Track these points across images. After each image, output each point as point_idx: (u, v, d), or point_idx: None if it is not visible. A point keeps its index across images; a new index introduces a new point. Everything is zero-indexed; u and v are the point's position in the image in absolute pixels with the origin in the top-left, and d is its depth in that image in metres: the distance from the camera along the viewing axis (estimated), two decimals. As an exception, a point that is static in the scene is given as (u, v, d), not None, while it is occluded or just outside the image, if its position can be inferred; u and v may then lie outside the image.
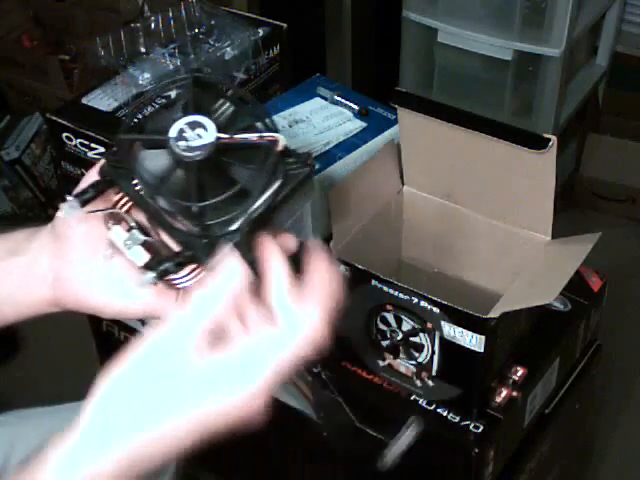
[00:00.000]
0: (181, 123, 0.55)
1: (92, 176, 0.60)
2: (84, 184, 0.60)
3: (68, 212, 0.58)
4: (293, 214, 0.59)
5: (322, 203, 0.98)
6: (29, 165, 2.15)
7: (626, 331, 1.76)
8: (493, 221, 0.95)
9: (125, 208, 0.60)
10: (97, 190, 0.59)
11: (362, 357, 0.96)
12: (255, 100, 0.60)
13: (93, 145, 1.05)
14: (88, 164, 1.07)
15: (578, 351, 1.05)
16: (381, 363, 0.94)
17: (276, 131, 0.57)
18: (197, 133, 0.55)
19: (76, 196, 0.58)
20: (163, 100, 1.00)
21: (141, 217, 0.59)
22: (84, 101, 1.10)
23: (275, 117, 1.06)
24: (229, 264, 0.53)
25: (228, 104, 0.59)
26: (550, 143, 0.82)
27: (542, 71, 1.85)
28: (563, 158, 2.10)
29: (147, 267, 0.57)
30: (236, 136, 0.56)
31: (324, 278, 0.55)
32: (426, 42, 1.94)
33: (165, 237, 0.58)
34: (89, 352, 1.34)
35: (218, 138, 0.55)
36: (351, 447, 1.04)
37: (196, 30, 1.17)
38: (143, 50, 1.13)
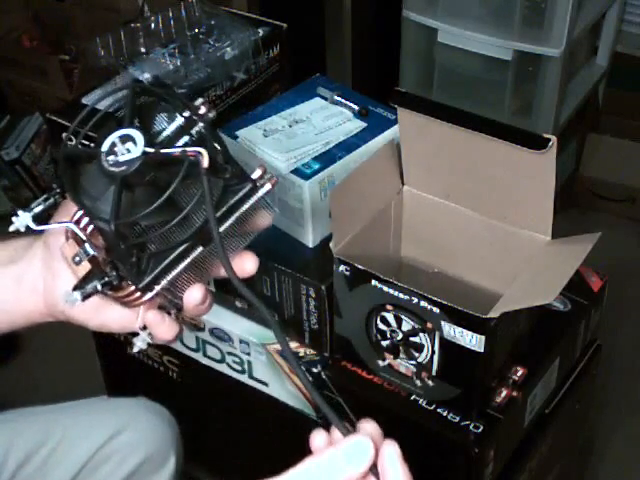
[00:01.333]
0: (113, 137, 0.55)
1: None
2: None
3: (20, 226, 0.58)
4: (247, 233, 0.58)
5: (322, 203, 0.98)
6: (29, 165, 2.15)
7: (626, 331, 1.76)
8: (493, 221, 0.95)
9: (76, 219, 0.59)
10: (46, 202, 0.59)
11: (362, 357, 0.96)
12: (182, 99, 0.59)
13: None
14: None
15: (578, 351, 1.05)
16: (381, 363, 0.94)
17: (206, 145, 0.56)
18: (126, 147, 0.54)
19: (25, 210, 0.58)
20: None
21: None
22: (84, 101, 1.10)
23: (275, 117, 1.06)
24: (360, 443, 0.52)
25: (167, 116, 0.58)
26: (550, 143, 0.82)
27: (542, 71, 1.85)
28: (563, 158, 2.10)
29: (77, 286, 0.57)
30: (161, 150, 0.55)
31: None
32: (426, 42, 1.94)
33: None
34: (89, 352, 1.34)
35: (145, 152, 0.54)
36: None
37: (196, 30, 1.17)
38: (143, 50, 1.13)
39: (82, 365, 1.52)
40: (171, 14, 1.16)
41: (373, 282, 0.87)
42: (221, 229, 0.56)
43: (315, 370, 1.00)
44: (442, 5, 1.86)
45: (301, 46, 1.35)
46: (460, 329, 0.83)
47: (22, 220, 0.58)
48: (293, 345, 1.03)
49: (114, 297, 0.58)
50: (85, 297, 0.56)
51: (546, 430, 1.01)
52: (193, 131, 0.57)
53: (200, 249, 0.56)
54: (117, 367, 1.31)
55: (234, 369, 1.10)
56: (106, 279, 0.56)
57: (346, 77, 2.19)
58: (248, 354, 1.07)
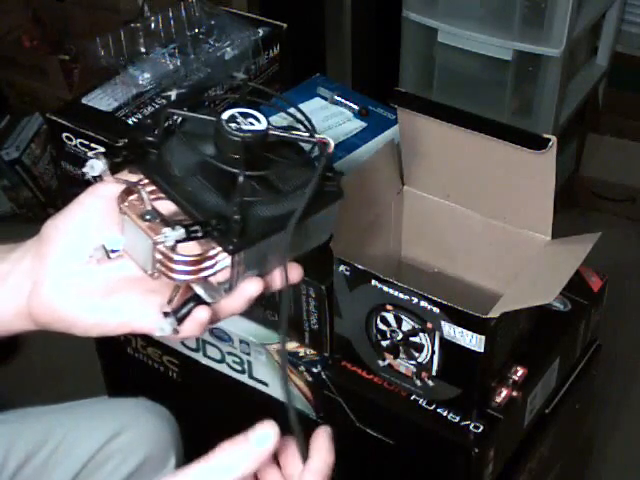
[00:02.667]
0: (233, 111, 0.56)
1: (105, 190, 0.59)
2: (98, 199, 0.59)
3: (93, 170, 0.57)
4: (311, 231, 0.59)
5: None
6: (29, 165, 2.15)
7: (626, 331, 1.76)
8: (493, 221, 0.95)
9: (148, 188, 0.58)
10: (126, 158, 0.58)
11: (362, 357, 0.96)
12: (302, 111, 0.60)
13: (93, 145, 1.05)
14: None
15: (578, 351, 1.05)
16: (381, 363, 0.94)
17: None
18: (249, 121, 0.55)
19: (105, 155, 0.57)
20: (163, 100, 1.00)
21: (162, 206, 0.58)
22: (84, 101, 1.10)
23: (275, 117, 1.06)
24: (265, 430, 0.53)
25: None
26: (550, 143, 0.82)
27: (542, 71, 1.85)
28: (563, 158, 2.10)
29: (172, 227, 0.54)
30: (287, 131, 0.56)
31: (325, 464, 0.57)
32: (426, 42, 1.94)
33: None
34: (89, 352, 1.34)
35: (269, 128, 0.55)
36: (351, 447, 1.04)
37: (196, 30, 1.17)
38: (143, 50, 1.13)
39: (82, 365, 1.52)
40: (171, 14, 1.16)
41: (373, 282, 0.87)
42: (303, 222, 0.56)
43: (315, 370, 1.00)
44: (442, 5, 1.87)
45: (301, 46, 1.35)
46: (460, 329, 0.83)
47: (99, 165, 0.57)
48: (293, 345, 1.03)
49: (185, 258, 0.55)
50: (181, 240, 0.53)
51: (546, 430, 1.01)
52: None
53: (282, 233, 0.55)
54: (117, 367, 1.31)
55: (234, 369, 1.10)
56: (194, 228, 0.53)
57: (346, 77, 2.19)
58: (248, 354, 1.07)
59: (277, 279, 0.59)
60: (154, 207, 0.57)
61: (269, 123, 0.56)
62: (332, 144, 0.57)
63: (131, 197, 0.57)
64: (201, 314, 0.56)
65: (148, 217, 0.55)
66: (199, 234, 0.53)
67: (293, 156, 0.58)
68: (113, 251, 0.58)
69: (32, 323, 0.61)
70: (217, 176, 0.54)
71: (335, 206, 0.58)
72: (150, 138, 0.57)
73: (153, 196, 0.57)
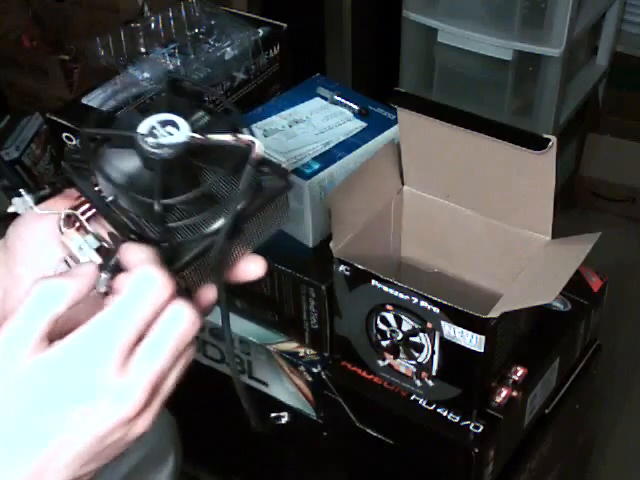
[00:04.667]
0: (152, 120, 0.53)
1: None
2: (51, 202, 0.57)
3: (19, 208, 0.55)
4: (263, 232, 0.57)
5: (322, 203, 0.98)
6: (29, 165, 2.15)
7: (626, 331, 1.76)
8: (493, 221, 0.95)
9: (83, 210, 0.56)
10: (54, 188, 0.56)
11: (362, 357, 0.96)
12: (237, 111, 0.57)
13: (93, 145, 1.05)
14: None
15: (578, 351, 1.05)
16: (381, 363, 0.94)
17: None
18: (168, 131, 0.52)
19: (30, 192, 0.55)
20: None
21: (101, 223, 0.56)
22: (84, 101, 1.10)
23: (275, 117, 1.06)
24: (148, 275, 0.49)
25: (203, 113, 0.57)
26: (550, 143, 0.82)
27: (542, 71, 1.85)
28: (563, 158, 2.10)
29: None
30: (210, 136, 0.53)
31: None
32: (426, 42, 1.94)
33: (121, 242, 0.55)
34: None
35: (190, 137, 0.52)
36: (351, 447, 1.04)
37: (196, 30, 1.17)
38: (143, 50, 1.13)
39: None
40: (171, 14, 1.16)
41: (373, 282, 0.87)
42: (247, 225, 0.54)
43: (315, 370, 1.00)
44: (442, 5, 1.87)
45: (301, 46, 1.35)
46: (460, 329, 0.83)
47: (25, 202, 0.55)
48: (293, 345, 1.03)
49: None
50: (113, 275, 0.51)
51: (546, 430, 1.01)
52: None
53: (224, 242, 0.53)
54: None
55: (234, 369, 1.10)
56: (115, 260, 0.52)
57: (346, 77, 2.19)
58: (248, 354, 1.07)
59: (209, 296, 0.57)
60: (92, 231, 0.55)
61: (191, 128, 0.52)
62: (258, 145, 0.53)
63: (66, 227, 0.56)
64: None
65: (83, 248, 0.54)
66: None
67: (222, 158, 0.54)
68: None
69: None
70: (136, 199, 0.52)
71: (282, 198, 0.56)
72: (77, 161, 0.55)
73: (90, 213, 0.56)
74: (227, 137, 0.54)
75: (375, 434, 0.96)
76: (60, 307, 0.49)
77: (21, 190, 0.56)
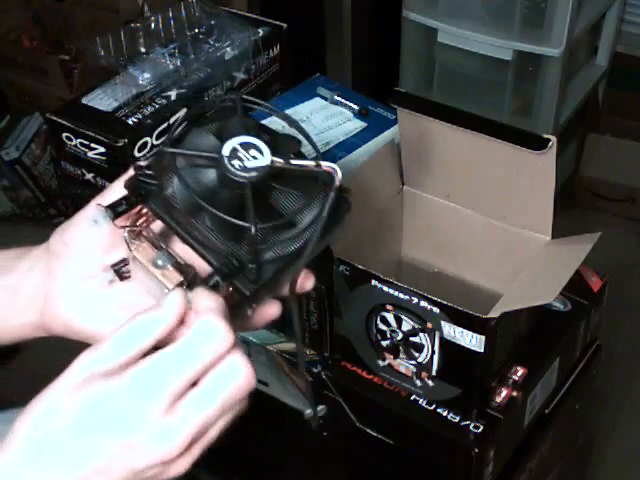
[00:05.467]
0: (234, 142, 0.53)
1: (117, 187, 0.57)
2: (111, 194, 0.57)
3: (100, 221, 0.56)
4: (322, 244, 0.58)
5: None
6: (29, 165, 2.15)
7: (626, 331, 1.76)
8: (493, 221, 0.95)
9: (153, 227, 0.57)
10: (129, 204, 0.56)
11: (362, 357, 0.96)
12: (306, 133, 0.58)
13: (93, 145, 1.05)
14: (88, 164, 1.07)
15: (578, 351, 1.05)
16: (381, 363, 0.94)
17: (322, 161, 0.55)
18: (252, 155, 0.53)
19: (108, 207, 0.55)
20: (163, 100, 0.99)
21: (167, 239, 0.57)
22: (84, 101, 1.10)
23: (275, 117, 1.05)
24: (211, 325, 0.49)
25: (266, 132, 0.57)
26: (550, 143, 0.82)
27: (542, 71, 1.85)
28: (563, 158, 2.10)
29: (190, 287, 0.53)
30: (292, 162, 0.54)
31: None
32: (426, 42, 1.94)
33: (195, 261, 0.55)
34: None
35: (273, 162, 0.53)
36: (351, 447, 1.04)
37: (196, 30, 1.17)
38: (143, 50, 1.13)
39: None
40: (171, 14, 1.16)
41: (373, 282, 0.87)
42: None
43: (315, 370, 1.00)
44: (442, 5, 1.87)
45: (301, 46, 1.35)
46: (460, 329, 0.83)
47: (105, 216, 0.56)
48: (293, 345, 1.03)
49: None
50: None
51: (546, 430, 1.01)
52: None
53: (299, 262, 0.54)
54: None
55: (234, 369, 1.10)
56: (211, 282, 0.53)
57: (346, 77, 2.19)
58: (248, 354, 1.07)
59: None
60: (165, 247, 0.56)
61: (271, 152, 0.54)
62: (339, 173, 0.54)
63: (138, 236, 0.57)
64: None
65: (160, 263, 0.55)
66: (218, 286, 0.53)
67: (300, 182, 0.56)
68: (123, 273, 0.58)
69: (45, 332, 0.61)
70: (225, 220, 0.53)
71: (344, 218, 0.58)
72: (149, 177, 0.55)
73: (157, 229, 0.57)
74: (308, 163, 0.55)
75: (375, 434, 0.96)
76: (149, 339, 0.50)
77: (100, 204, 0.56)
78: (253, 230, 0.51)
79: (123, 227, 0.56)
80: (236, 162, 0.53)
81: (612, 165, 2.13)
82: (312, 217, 0.54)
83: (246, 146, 0.54)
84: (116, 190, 0.57)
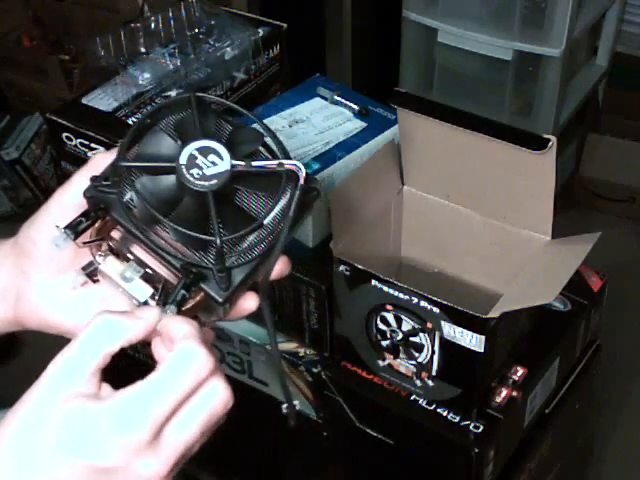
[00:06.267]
0: (191, 149, 0.52)
1: (75, 189, 0.56)
2: (69, 198, 0.57)
3: (61, 244, 0.54)
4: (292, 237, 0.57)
5: (322, 203, 0.98)
6: (29, 165, 2.15)
7: (626, 331, 1.76)
8: (493, 221, 0.95)
9: (113, 233, 0.56)
10: (89, 220, 0.54)
11: (362, 357, 0.96)
12: (266, 126, 0.56)
13: (93, 145, 1.05)
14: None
15: (578, 351, 1.05)
16: (381, 363, 0.94)
17: (288, 157, 0.54)
18: (211, 160, 0.52)
19: (69, 227, 0.54)
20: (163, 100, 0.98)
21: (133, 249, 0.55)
22: (84, 101, 1.10)
23: (275, 117, 1.06)
24: (191, 351, 0.49)
25: (227, 126, 0.56)
26: (550, 143, 0.82)
27: (542, 71, 1.85)
28: (563, 158, 2.10)
29: (162, 300, 0.53)
30: (253, 163, 0.53)
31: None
32: (426, 42, 1.94)
33: (160, 269, 0.54)
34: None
35: (233, 166, 0.52)
36: (351, 447, 1.04)
37: (196, 30, 1.17)
38: (143, 50, 1.13)
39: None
40: (171, 14, 1.16)
41: (373, 282, 0.87)
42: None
43: (315, 370, 1.00)
44: (442, 5, 1.87)
45: (301, 46, 1.35)
46: (460, 329, 0.83)
47: (65, 237, 0.54)
48: (293, 345, 1.03)
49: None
50: (179, 307, 0.52)
51: (546, 430, 1.01)
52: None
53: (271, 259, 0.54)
54: (116, 367, 1.31)
55: (234, 369, 1.10)
56: (179, 297, 0.52)
57: (346, 77, 2.19)
58: (248, 354, 1.07)
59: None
60: (132, 259, 0.55)
61: (231, 156, 0.52)
62: (303, 170, 0.53)
63: (101, 248, 0.56)
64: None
65: (128, 275, 0.54)
66: (188, 303, 0.52)
67: (264, 181, 0.54)
68: (94, 276, 0.57)
69: (20, 327, 0.60)
70: (191, 225, 0.52)
71: (313, 206, 0.56)
72: (107, 187, 0.54)
73: (117, 236, 0.56)
74: (270, 163, 0.54)
75: (375, 434, 0.96)
76: (115, 346, 0.51)
77: (57, 225, 0.54)
78: (218, 242, 0.51)
79: (86, 243, 0.55)
80: (195, 171, 0.51)
81: (612, 165, 2.13)
82: (279, 216, 0.54)
83: (204, 151, 0.52)
84: (72, 191, 0.57)
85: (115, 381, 0.52)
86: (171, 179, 0.53)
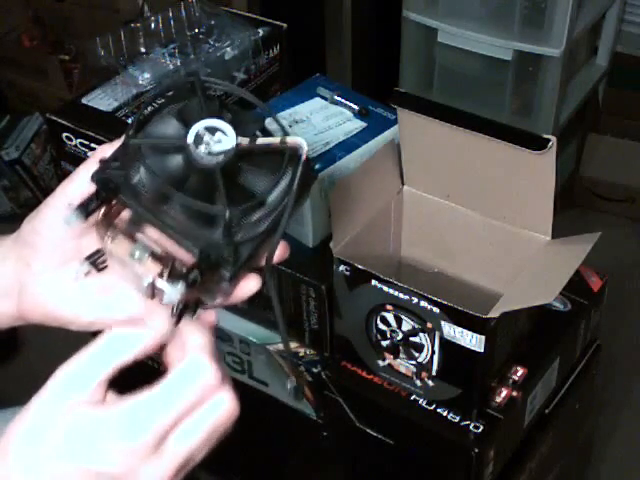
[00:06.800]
0: (198, 127, 0.53)
1: (81, 179, 0.57)
2: (75, 187, 0.57)
3: (73, 223, 0.54)
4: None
5: (322, 203, 0.98)
6: (29, 165, 2.15)
7: (626, 331, 1.76)
8: (493, 221, 0.95)
9: (126, 218, 0.56)
10: (100, 200, 0.55)
11: (362, 357, 0.96)
12: (261, 102, 0.58)
13: (93, 145, 1.05)
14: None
15: (578, 351, 1.05)
16: (381, 363, 0.94)
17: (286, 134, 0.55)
18: (217, 138, 0.53)
19: (80, 207, 0.54)
20: (163, 100, 0.98)
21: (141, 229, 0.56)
22: (84, 101, 1.10)
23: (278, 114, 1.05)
24: (201, 365, 0.50)
25: (229, 109, 0.57)
26: (550, 143, 0.82)
27: (542, 71, 1.85)
28: (563, 158, 2.10)
29: (171, 279, 0.53)
30: (258, 141, 0.54)
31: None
32: (426, 42, 1.94)
33: (171, 248, 0.55)
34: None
35: (238, 143, 0.53)
36: (351, 447, 1.04)
37: (196, 30, 1.17)
38: (143, 50, 1.13)
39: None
40: (171, 14, 1.16)
41: (373, 282, 0.87)
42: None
43: (315, 370, 1.00)
44: (442, 5, 1.87)
45: (301, 46, 1.35)
46: (460, 329, 0.83)
47: (77, 215, 0.54)
48: (293, 345, 1.03)
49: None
50: (191, 286, 0.52)
51: (546, 430, 1.01)
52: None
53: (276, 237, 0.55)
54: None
55: (234, 369, 1.10)
56: (192, 276, 0.52)
57: (346, 77, 2.19)
58: (248, 354, 1.07)
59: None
60: (140, 238, 0.55)
61: (236, 132, 0.53)
62: (305, 147, 0.54)
63: (110, 228, 0.56)
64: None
65: (137, 255, 0.54)
66: (197, 280, 0.53)
67: (267, 159, 0.56)
68: (99, 264, 0.57)
69: (23, 322, 0.61)
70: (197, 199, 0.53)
71: (310, 187, 0.57)
72: (116, 169, 0.54)
73: (125, 217, 0.56)
74: (273, 140, 0.55)
75: (375, 434, 0.96)
76: (125, 359, 0.51)
77: (70, 203, 0.55)
78: (227, 215, 0.51)
79: (96, 223, 0.56)
80: (202, 147, 0.53)
81: (612, 165, 2.13)
82: (282, 193, 0.54)
83: (210, 129, 0.53)
84: (78, 181, 0.57)
85: (118, 382, 0.52)
86: (178, 159, 0.54)
